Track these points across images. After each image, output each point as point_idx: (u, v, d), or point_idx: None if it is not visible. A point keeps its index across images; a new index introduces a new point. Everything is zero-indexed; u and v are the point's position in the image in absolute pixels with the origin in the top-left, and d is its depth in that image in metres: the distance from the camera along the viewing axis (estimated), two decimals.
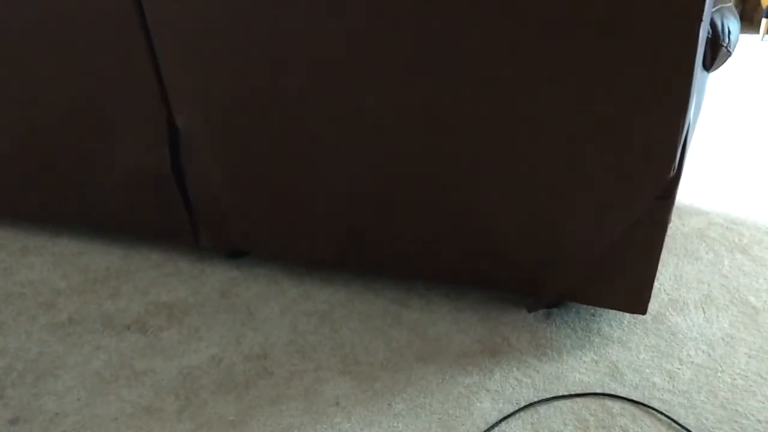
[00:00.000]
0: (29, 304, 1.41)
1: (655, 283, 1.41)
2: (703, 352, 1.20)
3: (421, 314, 1.33)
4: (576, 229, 1.14)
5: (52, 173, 1.53)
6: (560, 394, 1.11)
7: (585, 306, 1.33)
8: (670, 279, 1.43)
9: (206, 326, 1.32)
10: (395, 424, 1.06)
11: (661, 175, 1.03)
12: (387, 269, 1.36)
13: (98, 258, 1.60)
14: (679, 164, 1.03)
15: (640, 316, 1.30)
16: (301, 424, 1.06)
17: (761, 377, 1.14)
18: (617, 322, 1.29)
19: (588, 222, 1.12)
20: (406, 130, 1.14)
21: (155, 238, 1.66)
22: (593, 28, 0.94)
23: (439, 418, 1.07)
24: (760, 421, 1.04)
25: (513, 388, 1.13)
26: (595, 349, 1.22)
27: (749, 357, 1.19)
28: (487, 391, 1.12)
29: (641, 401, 1.09)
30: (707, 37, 1.08)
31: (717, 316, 1.30)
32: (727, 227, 1.67)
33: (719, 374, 1.15)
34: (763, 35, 4.46)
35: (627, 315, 1.31)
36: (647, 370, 1.16)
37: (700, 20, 0.88)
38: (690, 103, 0.96)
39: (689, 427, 1.03)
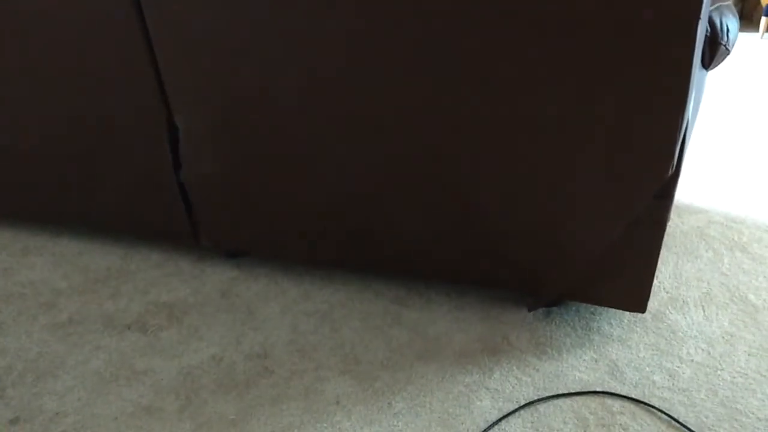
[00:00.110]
0: (30, 304, 1.42)
1: (655, 282, 1.41)
2: (702, 350, 1.20)
3: (421, 313, 1.34)
4: (575, 228, 1.14)
5: (52, 173, 1.53)
6: (560, 392, 1.11)
7: (585, 304, 1.33)
8: (669, 277, 1.43)
9: (206, 326, 1.32)
10: (395, 423, 1.06)
11: (659, 174, 1.03)
12: (387, 269, 1.36)
13: (98, 258, 1.60)
14: (677, 163, 1.03)
15: (640, 315, 1.30)
16: (302, 423, 1.06)
17: (761, 375, 1.14)
18: (617, 321, 1.29)
19: (587, 221, 1.12)
20: (406, 130, 1.14)
21: (155, 238, 1.66)
22: (591, 27, 0.94)
23: (439, 417, 1.07)
24: (759, 419, 1.04)
25: (513, 387, 1.13)
26: (595, 347, 1.22)
27: (749, 355, 1.19)
28: (487, 389, 1.13)
29: (641, 399, 1.09)
30: (706, 35, 1.08)
31: (717, 315, 1.30)
32: (726, 225, 1.67)
33: (719, 372, 1.15)
34: (763, 33, 4.46)
35: (627, 313, 1.31)
36: (647, 369, 1.16)
37: (698, 19, 0.88)
38: (688, 102, 0.96)
39: (689, 425, 1.03)
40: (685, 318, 1.29)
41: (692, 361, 1.18)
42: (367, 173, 1.22)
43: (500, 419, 1.06)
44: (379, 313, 1.34)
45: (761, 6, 4.53)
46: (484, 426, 1.05)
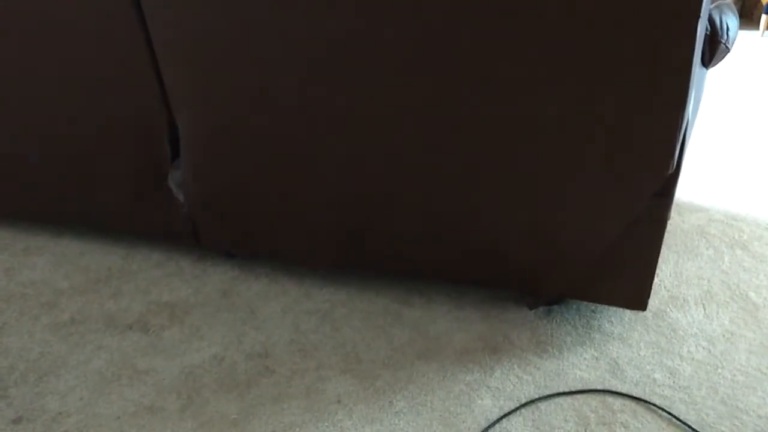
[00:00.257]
0: (31, 304, 1.42)
1: (656, 280, 1.42)
2: (703, 348, 1.20)
3: (422, 312, 1.34)
4: (575, 227, 1.14)
5: (53, 174, 1.53)
6: (561, 390, 1.12)
7: (585, 303, 1.33)
8: (670, 275, 1.43)
9: (208, 325, 1.32)
10: (396, 422, 1.06)
11: (659, 172, 1.03)
12: (388, 269, 1.36)
13: (100, 258, 1.60)
14: (678, 161, 1.03)
15: (641, 313, 1.30)
16: (303, 422, 1.07)
17: (761, 373, 1.14)
18: (618, 319, 1.29)
19: (587, 220, 1.12)
20: (406, 130, 1.14)
21: (156, 238, 1.66)
22: (591, 26, 0.94)
23: (440, 416, 1.07)
24: (760, 417, 1.04)
25: (514, 385, 1.13)
26: (596, 345, 1.22)
27: (749, 353, 1.19)
28: (488, 388, 1.13)
29: (642, 397, 1.09)
30: (705, 33, 1.08)
31: (717, 313, 1.30)
32: (727, 223, 1.67)
33: (719, 370, 1.15)
34: (763, 31, 4.46)
35: (627, 312, 1.31)
36: (648, 367, 1.16)
37: (698, 17, 0.88)
38: (688, 100, 0.96)
39: (690, 423, 1.03)
40: (686, 316, 1.29)
41: (693, 359, 1.18)
42: (367, 173, 1.22)
43: (501, 418, 1.06)
44: (380, 312, 1.34)
45: (761, 4, 4.53)
46: (485, 424, 1.05)
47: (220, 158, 1.32)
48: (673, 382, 1.12)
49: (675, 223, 1.68)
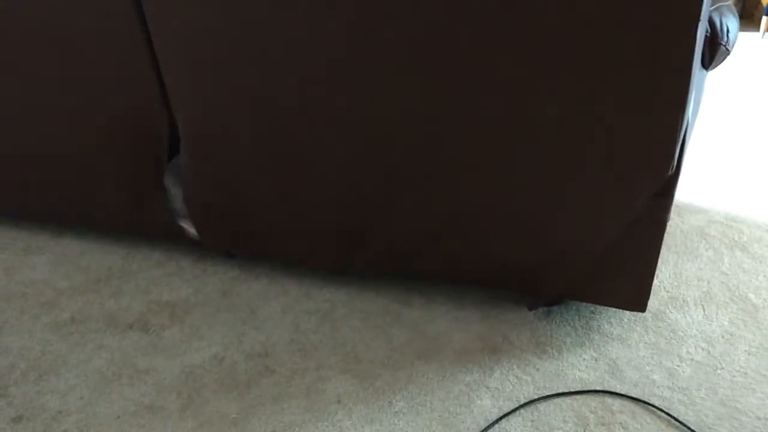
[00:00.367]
0: (32, 303, 1.42)
1: (655, 281, 1.42)
2: (702, 349, 1.21)
3: (422, 312, 1.34)
4: (575, 227, 1.14)
5: (54, 173, 1.54)
6: (560, 391, 1.12)
7: (585, 304, 1.33)
8: (669, 276, 1.44)
9: (208, 325, 1.32)
10: (396, 422, 1.06)
11: (659, 173, 1.03)
12: (388, 269, 1.36)
13: (100, 257, 1.60)
14: (678, 162, 1.03)
15: (640, 314, 1.30)
16: (303, 422, 1.07)
17: (761, 374, 1.14)
18: (617, 320, 1.29)
19: (587, 220, 1.12)
20: (406, 130, 1.14)
21: (157, 238, 1.66)
22: (592, 27, 0.94)
23: (440, 416, 1.07)
24: (759, 418, 1.04)
25: (513, 386, 1.13)
26: (595, 346, 1.22)
27: (749, 354, 1.19)
28: (488, 388, 1.13)
29: (641, 398, 1.09)
30: (706, 35, 1.08)
31: (717, 314, 1.30)
32: (726, 225, 1.67)
33: (719, 371, 1.15)
34: (764, 33, 4.46)
35: (627, 313, 1.31)
36: (647, 368, 1.16)
37: (698, 20, 0.88)
38: (688, 102, 0.97)
39: (689, 424, 1.03)
40: (685, 317, 1.29)
41: (692, 360, 1.18)
42: (367, 173, 1.22)
43: (500, 418, 1.06)
44: (380, 312, 1.35)
45: (762, 5, 4.53)
46: (484, 425, 1.05)
47: (220, 158, 1.32)
48: (672, 383, 1.12)
49: (675, 224, 1.68)
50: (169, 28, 1.20)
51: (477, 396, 1.11)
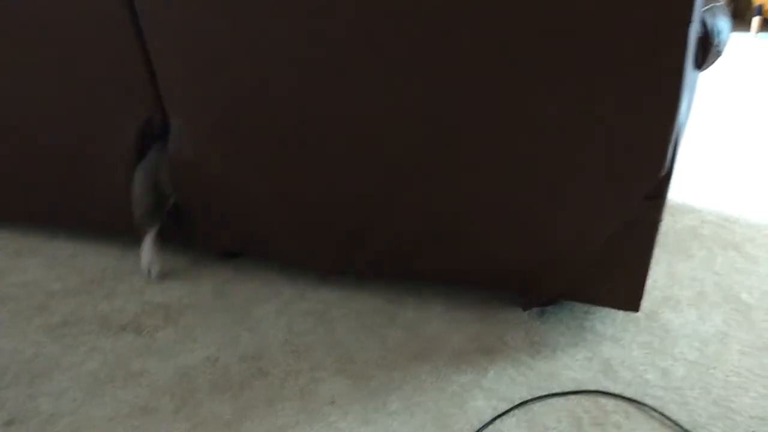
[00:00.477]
0: (24, 305, 1.41)
1: (648, 281, 1.42)
2: (696, 349, 1.21)
3: (416, 313, 1.34)
4: (569, 228, 1.14)
5: (48, 175, 1.53)
6: (554, 391, 1.12)
7: (579, 304, 1.34)
8: (663, 277, 1.44)
9: (201, 327, 1.32)
10: (390, 423, 1.06)
11: (652, 174, 1.04)
12: (387, 270, 1.35)
13: (93, 259, 1.60)
14: (670, 163, 1.04)
15: (634, 314, 1.31)
16: (297, 424, 1.07)
17: (754, 374, 1.14)
18: (611, 320, 1.29)
19: (581, 221, 1.13)
20: (405, 131, 1.14)
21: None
22: (585, 29, 0.94)
23: (434, 417, 1.07)
24: (752, 417, 1.05)
25: (507, 386, 1.13)
26: (589, 346, 1.23)
27: (742, 354, 1.19)
28: (482, 389, 1.13)
29: (634, 398, 1.09)
30: (698, 36, 1.08)
31: (710, 314, 1.31)
32: (719, 225, 1.68)
33: (712, 371, 1.15)
34: (755, 33, 4.48)
35: (620, 313, 1.31)
36: (640, 368, 1.17)
37: (690, 21, 0.89)
38: (681, 103, 0.97)
39: (682, 424, 1.03)
40: (679, 317, 1.30)
41: (685, 359, 1.18)
42: (367, 173, 1.22)
43: (495, 418, 1.06)
44: (374, 313, 1.35)
45: (753, 6, 4.54)
46: (478, 425, 1.05)
47: (215, 159, 1.32)
48: (666, 383, 1.13)
49: (668, 224, 1.69)
50: (163, 32, 1.19)
51: (471, 396, 1.11)
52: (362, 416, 1.08)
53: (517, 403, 1.10)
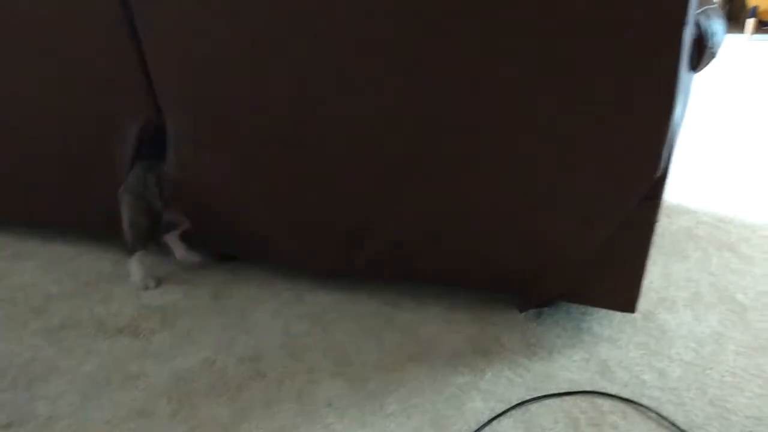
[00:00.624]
0: (21, 308, 1.41)
1: (645, 282, 1.42)
2: (691, 349, 1.21)
3: (413, 315, 1.34)
4: (565, 230, 1.15)
5: (45, 179, 1.53)
6: (551, 392, 1.12)
7: (575, 305, 1.34)
8: (659, 277, 1.44)
9: (198, 329, 1.32)
10: (388, 424, 1.06)
11: (648, 176, 1.04)
12: (388, 270, 1.35)
13: (90, 262, 1.60)
14: (666, 164, 1.04)
15: (630, 315, 1.31)
16: (294, 426, 1.07)
17: (749, 374, 1.15)
18: (607, 321, 1.30)
19: (577, 223, 1.13)
20: (404, 132, 1.14)
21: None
22: (580, 31, 0.95)
23: (432, 418, 1.07)
24: (748, 417, 1.05)
25: (504, 387, 1.14)
26: (586, 347, 1.23)
27: (737, 354, 1.20)
28: (479, 390, 1.13)
29: (631, 399, 1.10)
30: (693, 38, 1.09)
31: (705, 314, 1.31)
32: (715, 226, 1.68)
33: (708, 371, 1.16)
34: (750, 35, 4.49)
35: (617, 314, 1.32)
36: (637, 368, 1.17)
37: (685, 23, 0.89)
38: (676, 104, 0.97)
39: (678, 424, 1.04)
40: (675, 318, 1.30)
41: (681, 360, 1.19)
42: (366, 174, 1.22)
43: (492, 419, 1.07)
44: (371, 315, 1.35)
45: (747, 7, 4.56)
46: (476, 426, 1.05)
47: (212, 162, 1.31)
48: (662, 384, 1.13)
49: (663, 225, 1.69)
50: (159, 35, 1.20)
51: (468, 398, 1.12)
52: (359, 418, 1.08)
53: (514, 403, 1.10)
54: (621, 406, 1.09)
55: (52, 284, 1.50)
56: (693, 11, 0.94)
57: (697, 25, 1.11)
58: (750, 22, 4.43)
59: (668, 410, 1.07)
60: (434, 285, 1.42)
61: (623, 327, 1.28)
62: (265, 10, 1.09)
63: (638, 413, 1.07)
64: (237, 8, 1.10)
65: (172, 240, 1.49)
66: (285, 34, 1.10)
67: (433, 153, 1.15)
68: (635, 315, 1.31)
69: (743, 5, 5.08)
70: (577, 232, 1.14)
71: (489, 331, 1.28)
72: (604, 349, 1.22)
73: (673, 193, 1.90)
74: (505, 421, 1.06)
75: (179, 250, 1.50)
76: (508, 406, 1.09)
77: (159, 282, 1.49)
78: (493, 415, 1.07)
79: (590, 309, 1.33)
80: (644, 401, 1.09)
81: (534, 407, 1.09)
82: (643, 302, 1.35)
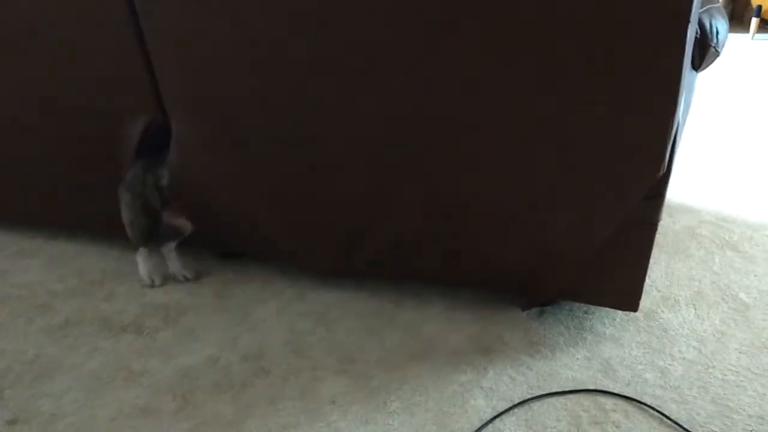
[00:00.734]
0: (26, 306, 1.42)
1: (647, 281, 1.42)
2: (694, 348, 1.22)
3: (416, 313, 1.34)
4: (568, 228, 1.15)
5: (49, 176, 1.53)
6: (553, 391, 1.12)
7: (578, 304, 1.34)
8: (661, 276, 1.45)
9: (202, 327, 1.33)
10: (390, 422, 1.07)
11: (651, 175, 1.04)
12: (388, 269, 1.36)
13: (94, 260, 1.60)
14: (668, 163, 1.04)
15: (632, 314, 1.31)
16: (298, 423, 1.07)
17: (752, 372, 1.15)
18: (609, 320, 1.30)
19: (579, 222, 1.13)
20: (404, 132, 1.14)
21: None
22: (581, 30, 0.95)
23: (434, 416, 1.08)
24: (750, 416, 1.05)
25: (507, 386, 1.14)
26: (588, 346, 1.23)
27: (740, 353, 1.20)
28: (481, 388, 1.14)
29: (633, 397, 1.10)
30: (696, 37, 1.09)
31: (708, 313, 1.31)
32: (717, 225, 1.68)
33: (710, 370, 1.16)
34: (753, 34, 4.49)
35: (619, 312, 1.32)
36: (639, 367, 1.17)
37: (688, 22, 0.89)
38: (679, 104, 0.98)
39: (681, 423, 1.04)
40: (677, 316, 1.30)
41: (684, 359, 1.19)
42: (366, 173, 1.22)
43: (494, 418, 1.07)
44: (374, 313, 1.35)
45: (751, 7, 4.55)
46: (478, 424, 1.06)
47: (215, 160, 1.32)
48: (665, 382, 1.13)
49: (666, 224, 1.69)
50: (163, 33, 1.20)
51: (471, 396, 1.12)
52: (362, 416, 1.08)
53: (516, 402, 1.10)
54: (623, 404, 1.09)
55: (56, 282, 1.51)
56: (696, 10, 0.94)
57: (701, 24, 1.11)
58: (754, 22, 4.42)
59: (670, 409, 1.07)
60: (436, 283, 1.42)
61: (626, 325, 1.28)
62: (266, 11, 1.09)
63: (640, 412, 1.07)
64: (237, 9, 1.11)
65: (167, 253, 1.49)
66: (285, 34, 1.11)
67: (433, 153, 1.15)
68: (638, 314, 1.31)
69: (747, 4, 5.07)
70: (578, 231, 1.14)
71: (491, 330, 1.29)
72: (607, 347, 1.22)
73: (675, 191, 1.90)
74: (508, 420, 1.07)
75: (174, 264, 1.50)
76: (511, 405, 1.09)
77: (164, 279, 1.49)
78: (496, 414, 1.08)
79: (593, 308, 1.34)
80: (646, 400, 1.10)
81: (536, 405, 1.10)
82: (646, 301, 1.35)
